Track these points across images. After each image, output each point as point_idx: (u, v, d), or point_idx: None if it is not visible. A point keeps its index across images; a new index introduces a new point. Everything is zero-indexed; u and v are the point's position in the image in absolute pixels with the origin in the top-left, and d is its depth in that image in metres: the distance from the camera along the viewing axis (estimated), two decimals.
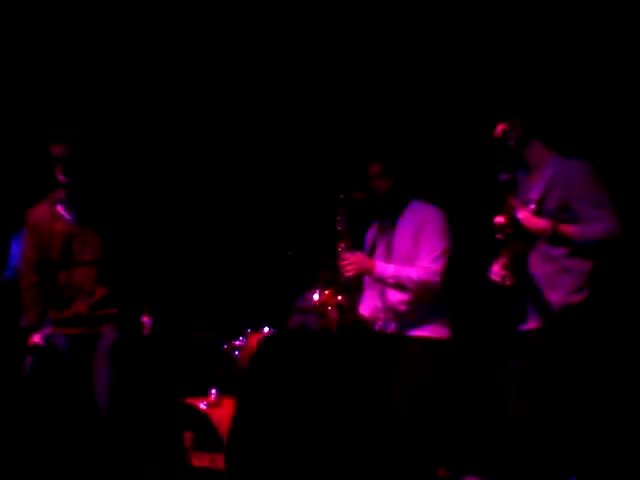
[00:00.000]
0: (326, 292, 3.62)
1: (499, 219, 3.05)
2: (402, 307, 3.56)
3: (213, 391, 4.25)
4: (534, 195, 3.09)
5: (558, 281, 3.07)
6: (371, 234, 3.85)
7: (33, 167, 4.69)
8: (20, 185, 4.98)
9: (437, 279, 3.49)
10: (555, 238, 3.01)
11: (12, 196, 4.98)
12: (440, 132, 4.52)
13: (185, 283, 4.97)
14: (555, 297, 3.07)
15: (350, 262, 3.53)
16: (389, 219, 3.71)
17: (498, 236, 3.09)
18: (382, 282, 3.58)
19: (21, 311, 4.09)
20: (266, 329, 4.25)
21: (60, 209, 4.01)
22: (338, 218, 3.62)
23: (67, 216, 4.01)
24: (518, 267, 3.09)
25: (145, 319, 4.18)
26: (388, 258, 3.64)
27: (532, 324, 3.14)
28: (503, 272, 3.10)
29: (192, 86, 5.17)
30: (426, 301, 3.52)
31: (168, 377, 4.53)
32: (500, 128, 3.11)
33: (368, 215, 3.86)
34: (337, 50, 4.74)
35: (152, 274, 4.22)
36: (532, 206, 3.06)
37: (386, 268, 3.55)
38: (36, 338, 3.91)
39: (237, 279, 5.04)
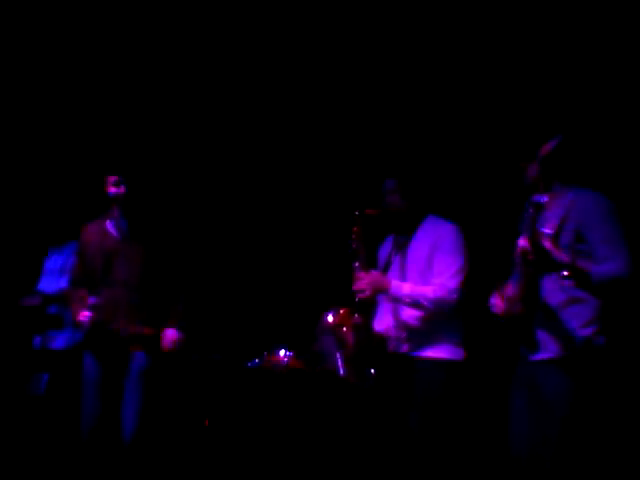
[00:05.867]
0: (341, 312, 3.54)
1: (523, 242, 2.93)
2: (415, 324, 3.49)
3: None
4: (549, 228, 3.00)
5: (569, 312, 3.02)
6: (385, 250, 3.78)
7: (82, 185, 4.66)
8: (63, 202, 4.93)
9: (454, 296, 3.44)
10: (573, 273, 2.91)
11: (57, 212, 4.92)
12: (457, 148, 4.47)
13: (206, 304, 4.88)
14: (566, 329, 3.00)
15: (366, 281, 3.46)
16: (404, 235, 3.65)
17: (517, 258, 3.00)
18: (398, 300, 3.52)
19: (36, 332, 4.03)
20: (282, 352, 4.16)
21: (109, 226, 4.00)
22: (353, 236, 3.55)
23: (115, 233, 3.99)
24: (530, 295, 3.03)
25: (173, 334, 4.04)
26: (402, 275, 3.58)
27: (542, 355, 3.07)
28: (502, 304, 3.09)
29: (215, 117, 5.15)
30: (440, 317, 3.46)
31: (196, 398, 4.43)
32: (546, 149, 3.01)
33: (382, 232, 3.79)
34: (354, 67, 4.71)
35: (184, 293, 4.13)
36: (549, 235, 2.97)
37: (402, 287, 3.49)
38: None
39: (258, 300, 4.98)
